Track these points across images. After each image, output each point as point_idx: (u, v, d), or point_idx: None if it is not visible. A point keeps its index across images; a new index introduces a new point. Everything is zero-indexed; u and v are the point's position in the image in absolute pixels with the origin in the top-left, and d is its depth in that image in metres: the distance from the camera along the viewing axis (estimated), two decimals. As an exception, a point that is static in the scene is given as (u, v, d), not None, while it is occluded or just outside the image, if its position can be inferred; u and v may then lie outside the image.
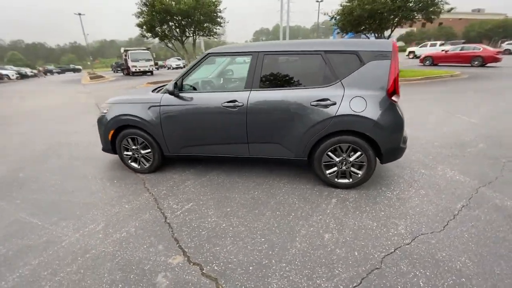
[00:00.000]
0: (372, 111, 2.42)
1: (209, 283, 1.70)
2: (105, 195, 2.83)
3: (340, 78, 2.50)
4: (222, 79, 3.73)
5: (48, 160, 3.89)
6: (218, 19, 12.63)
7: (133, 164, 3.28)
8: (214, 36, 13.56)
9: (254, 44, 2.82)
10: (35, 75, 31.37)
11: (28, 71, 29.77)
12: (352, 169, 2.66)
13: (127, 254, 1.96)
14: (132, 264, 1.87)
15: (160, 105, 2.92)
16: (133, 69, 21.09)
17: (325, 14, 12.71)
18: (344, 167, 2.66)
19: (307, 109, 2.53)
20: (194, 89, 3.04)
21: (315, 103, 2.50)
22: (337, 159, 2.64)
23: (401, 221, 2.21)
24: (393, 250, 1.90)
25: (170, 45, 13.70)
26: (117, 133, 3.16)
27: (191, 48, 13.72)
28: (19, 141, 4.93)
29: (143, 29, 11.94)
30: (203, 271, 1.79)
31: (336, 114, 2.46)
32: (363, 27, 11.75)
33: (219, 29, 13.44)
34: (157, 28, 12.03)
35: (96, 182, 3.12)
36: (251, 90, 2.68)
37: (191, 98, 2.83)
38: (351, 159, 2.61)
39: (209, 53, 2.86)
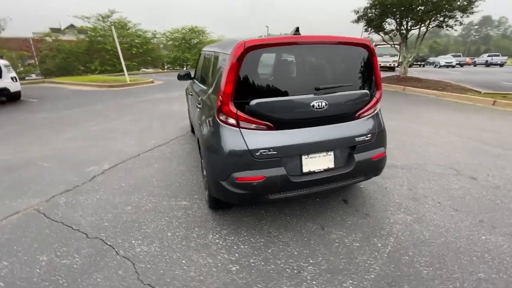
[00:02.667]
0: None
1: (88, 184, 2.78)
2: (157, 136, 4.42)
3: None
4: None
5: (174, 116, 6.04)
6: (460, 4, 8.84)
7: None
8: (448, 28, 9.99)
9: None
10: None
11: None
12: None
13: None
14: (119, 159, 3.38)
15: (189, 87, 3.93)
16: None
17: None
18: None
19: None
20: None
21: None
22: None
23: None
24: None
25: (387, 38, 12.23)
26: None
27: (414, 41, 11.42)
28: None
29: (359, 23, 11.69)
30: (86, 181, 2.87)
31: None
32: None
33: (462, 18, 9.75)
34: (374, 22, 11.37)
35: (170, 130, 4.81)
36: (195, 82, 3.14)
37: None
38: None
39: (201, 51, 3.39)
